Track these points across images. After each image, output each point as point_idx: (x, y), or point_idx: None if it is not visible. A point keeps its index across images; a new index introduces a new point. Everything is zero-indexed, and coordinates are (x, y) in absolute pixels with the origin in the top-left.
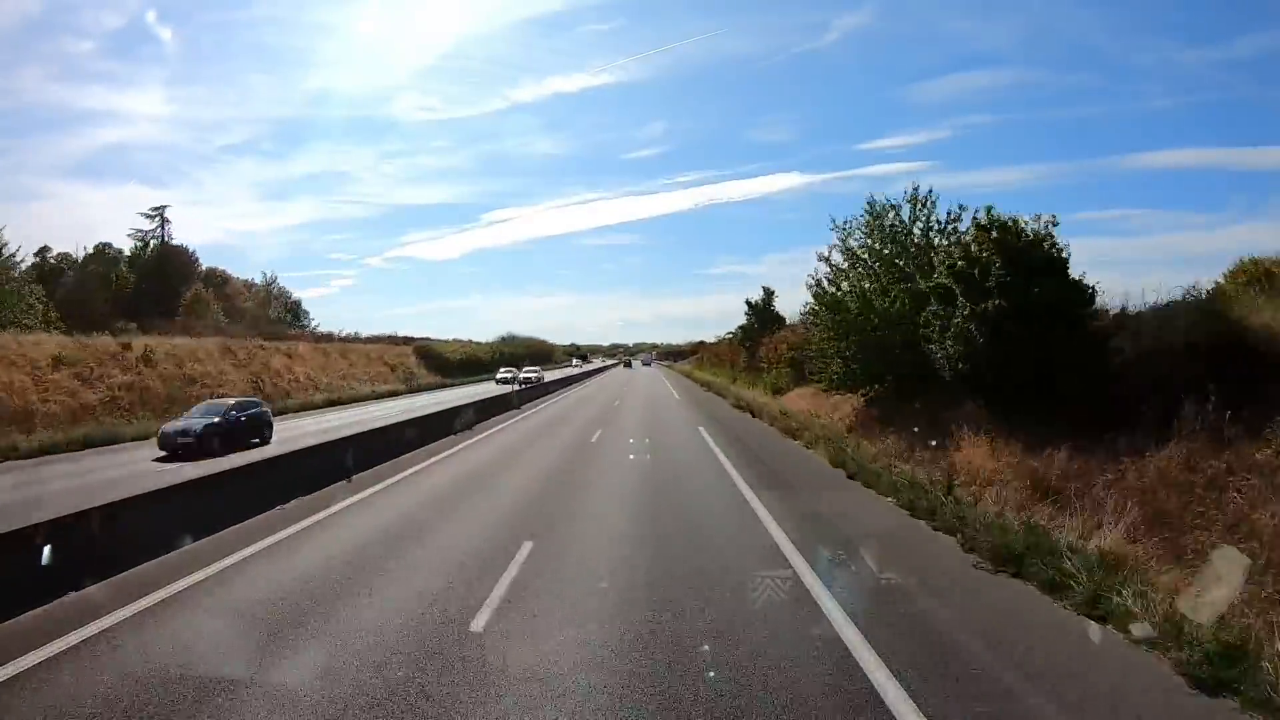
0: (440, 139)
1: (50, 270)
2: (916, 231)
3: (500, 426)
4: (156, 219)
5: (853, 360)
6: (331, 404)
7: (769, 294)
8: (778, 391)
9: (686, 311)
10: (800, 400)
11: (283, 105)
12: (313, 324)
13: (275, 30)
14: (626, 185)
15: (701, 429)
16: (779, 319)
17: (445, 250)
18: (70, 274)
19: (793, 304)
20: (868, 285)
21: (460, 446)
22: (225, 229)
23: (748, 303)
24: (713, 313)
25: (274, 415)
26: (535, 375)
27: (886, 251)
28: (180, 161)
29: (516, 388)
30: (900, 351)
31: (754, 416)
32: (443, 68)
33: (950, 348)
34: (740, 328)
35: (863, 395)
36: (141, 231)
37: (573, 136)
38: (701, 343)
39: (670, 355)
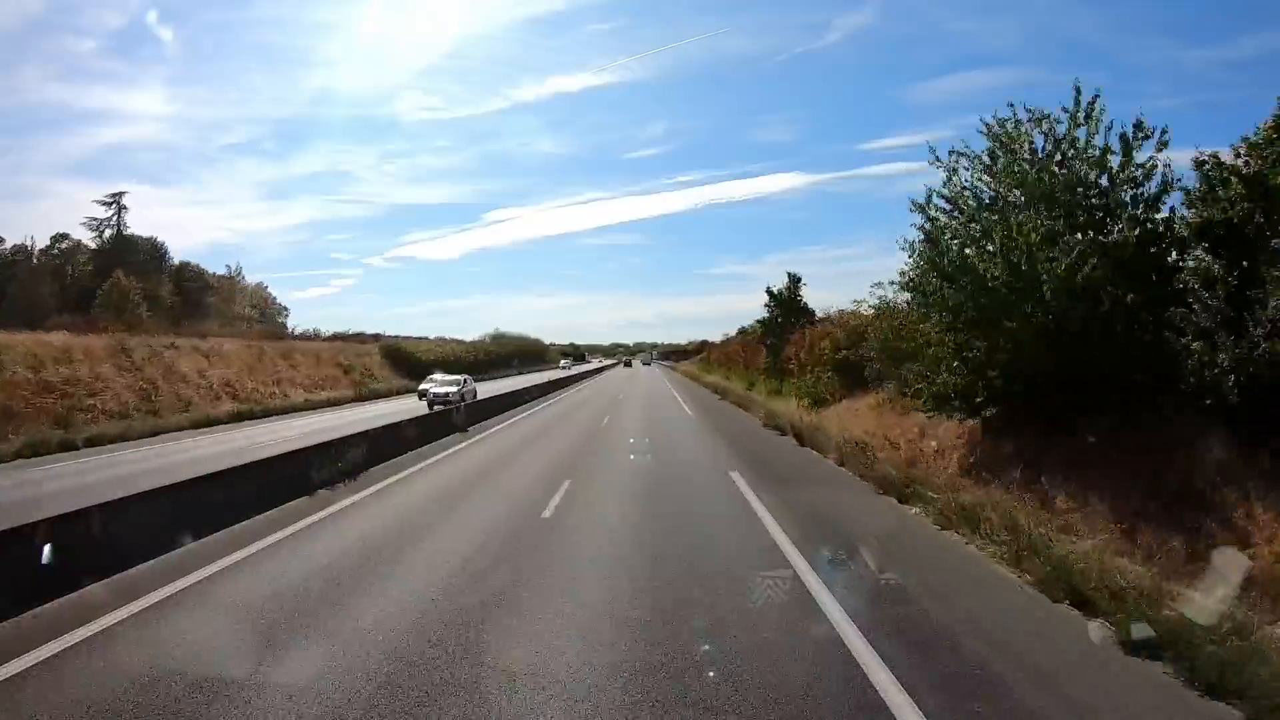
0: (442, 138)
1: (7, 264)
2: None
3: (411, 470)
4: (113, 206)
5: (990, 360)
6: (242, 418)
7: (795, 281)
8: (818, 403)
9: (688, 311)
10: (856, 417)
11: (284, 105)
12: (288, 321)
13: (277, 30)
14: (628, 185)
15: (737, 476)
16: (806, 311)
17: (447, 250)
18: (23, 266)
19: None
20: (1032, 235)
21: (288, 531)
22: (227, 228)
23: (769, 292)
24: (714, 313)
25: (138, 436)
26: (455, 390)
27: (1043, 183)
28: (182, 161)
29: (443, 407)
30: (1069, 348)
31: (801, 444)
32: (444, 67)
33: (1263, 339)
34: (760, 322)
35: (982, 417)
36: (96, 220)
37: (574, 136)
38: (706, 341)
39: (672, 355)
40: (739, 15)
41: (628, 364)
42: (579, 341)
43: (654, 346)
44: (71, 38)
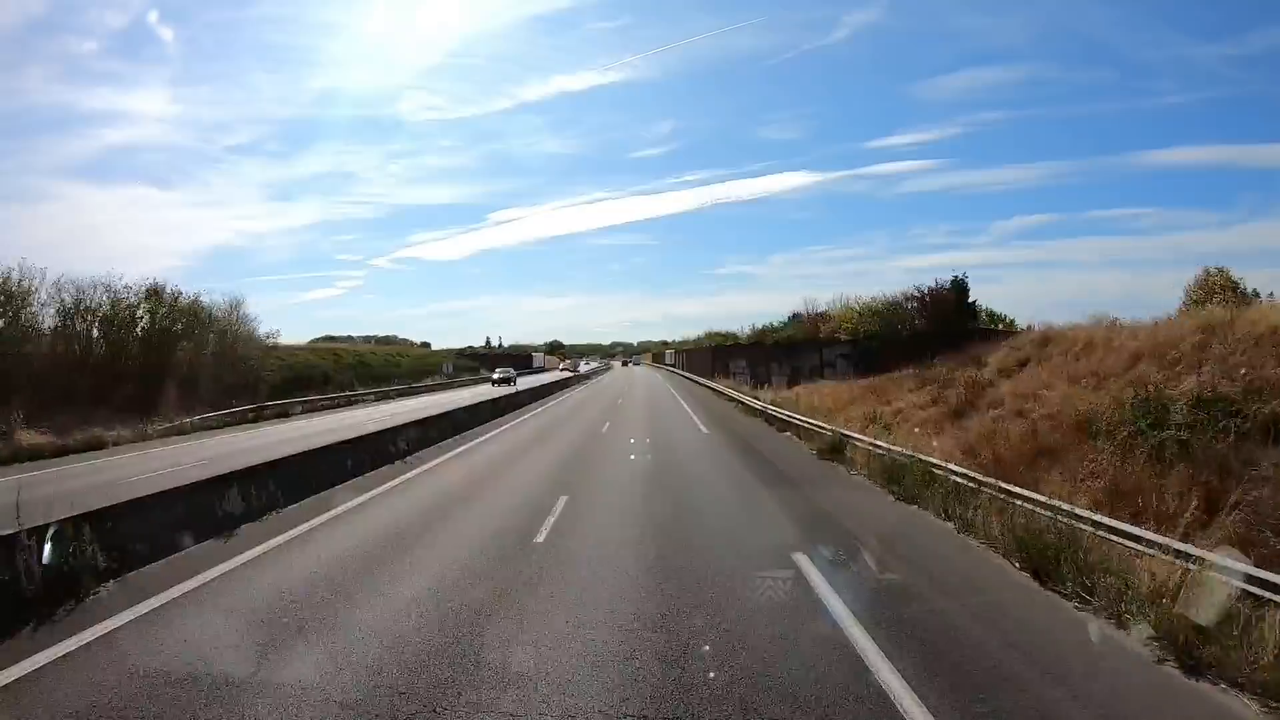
0: (446, 139)
1: None
2: None
3: None
4: None
5: None
6: None
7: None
8: None
9: (694, 312)
10: None
11: (288, 105)
12: None
13: (280, 30)
14: (634, 184)
15: None
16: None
17: (452, 250)
18: None
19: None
20: None
21: None
22: (232, 230)
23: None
24: (720, 313)
25: None
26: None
27: None
28: (186, 162)
29: None
30: None
31: None
32: (449, 66)
33: None
34: None
35: None
36: None
37: (579, 135)
38: (784, 325)
39: (724, 357)
40: (746, 12)
41: (625, 364)
42: (578, 342)
43: (663, 345)
44: (73, 38)
